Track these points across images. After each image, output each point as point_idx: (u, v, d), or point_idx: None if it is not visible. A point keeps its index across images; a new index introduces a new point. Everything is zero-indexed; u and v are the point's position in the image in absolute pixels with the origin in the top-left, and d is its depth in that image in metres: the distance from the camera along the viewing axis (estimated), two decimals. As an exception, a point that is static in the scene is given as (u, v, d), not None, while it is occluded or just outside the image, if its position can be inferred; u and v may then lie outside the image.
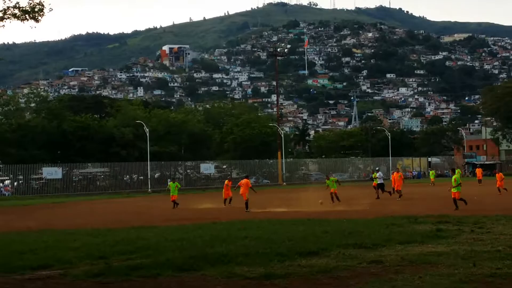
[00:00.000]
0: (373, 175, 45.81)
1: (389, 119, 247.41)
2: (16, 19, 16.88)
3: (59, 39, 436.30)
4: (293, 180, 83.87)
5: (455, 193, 28.61)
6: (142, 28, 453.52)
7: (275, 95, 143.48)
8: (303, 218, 24.97)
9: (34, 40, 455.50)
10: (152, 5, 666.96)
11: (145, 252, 15.68)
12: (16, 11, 16.72)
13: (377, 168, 48.72)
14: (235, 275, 12.32)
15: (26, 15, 16.85)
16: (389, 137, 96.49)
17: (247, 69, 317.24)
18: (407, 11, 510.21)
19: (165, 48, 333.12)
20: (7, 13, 16.65)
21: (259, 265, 13.24)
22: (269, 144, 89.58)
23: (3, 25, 17.00)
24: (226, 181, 39.05)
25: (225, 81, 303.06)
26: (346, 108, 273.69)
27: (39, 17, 16.99)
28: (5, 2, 16.50)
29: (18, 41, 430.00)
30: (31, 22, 17.12)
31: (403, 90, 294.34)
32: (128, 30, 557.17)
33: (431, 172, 69.23)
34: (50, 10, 17.14)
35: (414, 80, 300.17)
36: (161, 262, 13.83)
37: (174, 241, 17.83)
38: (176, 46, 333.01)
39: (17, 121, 72.20)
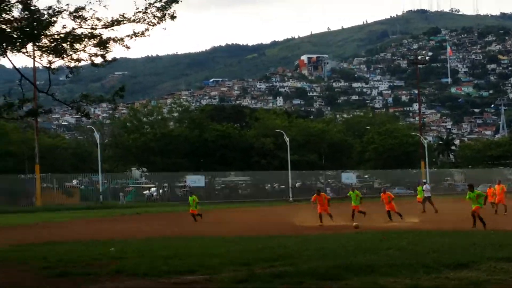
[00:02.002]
0: (418, 188, 42.25)
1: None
2: (151, 24, 16.70)
3: (200, 50, 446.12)
4: (438, 190, 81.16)
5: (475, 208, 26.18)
6: (280, 38, 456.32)
7: (417, 104, 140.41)
8: (448, 230, 24.14)
9: (176, 52, 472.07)
10: (290, 16, 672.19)
11: (287, 260, 15.61)
12: (154, 10, 16.43)
13: (424, 180, 45.83)
14: (381, 286, 11.97)
15: (165, 11, 16.51)
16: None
17: (387, 77, 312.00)
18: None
19: (304, 57, 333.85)
20: (147, 12, 16.43)
21: (405, 276, 12.82)
22: (411, 154, 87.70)
23: (147, 30, 16.77)
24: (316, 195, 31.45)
25: (364, 90, 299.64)
26: (493, 116, 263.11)
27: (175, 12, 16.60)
28: None
29: (161, 54, 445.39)
30: (166, 22, 16.75)
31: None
32: (266, 40, 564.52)
33: None
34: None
35: None
36: (304, 270, 13.70)
37: (316, 250, 17.70)
38: (314, 56, 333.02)
39: (161, 131, 74.46)
